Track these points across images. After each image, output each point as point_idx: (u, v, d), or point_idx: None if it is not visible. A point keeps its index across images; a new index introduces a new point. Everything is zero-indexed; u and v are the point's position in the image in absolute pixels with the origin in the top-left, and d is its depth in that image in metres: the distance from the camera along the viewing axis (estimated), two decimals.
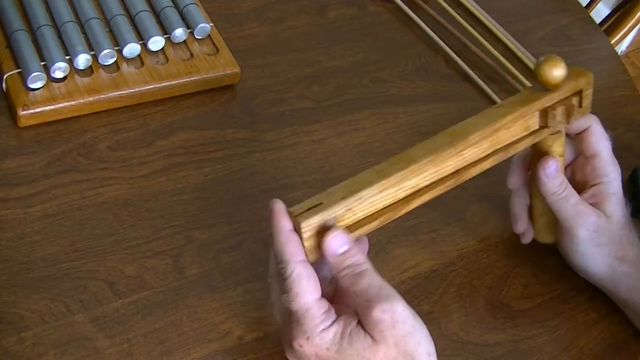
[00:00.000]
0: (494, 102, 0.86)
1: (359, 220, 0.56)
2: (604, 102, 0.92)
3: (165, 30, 0.77)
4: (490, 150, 0.61)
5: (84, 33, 0.74)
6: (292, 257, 0.53)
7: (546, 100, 0.62)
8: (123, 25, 0.75)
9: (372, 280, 0.53)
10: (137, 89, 0.72)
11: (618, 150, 0.86)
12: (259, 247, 0.67)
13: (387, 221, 0.57)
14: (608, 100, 0.93)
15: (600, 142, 0.66)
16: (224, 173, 0.71)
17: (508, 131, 0.61)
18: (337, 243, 0.54)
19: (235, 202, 0.69)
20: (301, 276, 0.53)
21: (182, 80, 0.74)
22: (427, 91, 0.85)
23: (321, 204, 0.54)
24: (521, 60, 0.92)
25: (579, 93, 0.64)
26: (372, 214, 0.56)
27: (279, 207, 0.54)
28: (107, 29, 0.75)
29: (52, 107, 0.69)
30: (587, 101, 0.66)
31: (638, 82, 1.04)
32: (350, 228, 0.55)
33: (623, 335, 0.69)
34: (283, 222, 0.53)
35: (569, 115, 0.63)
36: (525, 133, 0.63)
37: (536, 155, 0.66)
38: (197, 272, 0.64)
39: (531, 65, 0.91)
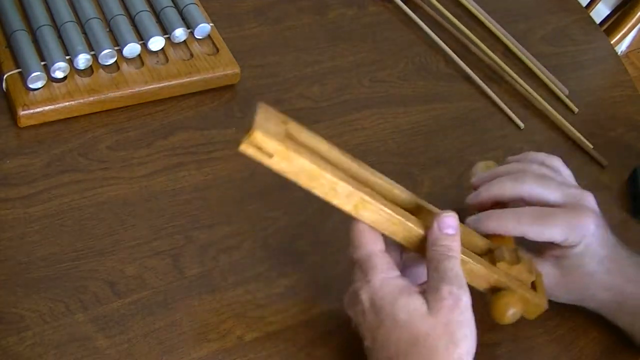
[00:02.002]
0: (494, 102, 0.86)
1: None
2: (604, 102, 0.92)
3: (165, 30, 0.77)
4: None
5: (84, 33, 0.74)
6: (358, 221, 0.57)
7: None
8: (123, 25, 0.75)
9: (455, 267, 0.56)
10: (137, 89, 0.72)
11: (618, 150, 0.86)
12: (259, 247, 0.67)
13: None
14: (608, 100, 0.93)
15: (544, 232, 0.63)
16: (224, 173, 0.71)
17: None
18: (449, 223, 0.57)
19: (235, 202, 0.69)
20: (364, 229, 0.57)
21: (182, 80, 0.74)
22: (427, 91, 0.85)
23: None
24: (521, 60, 0.92)
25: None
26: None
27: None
28: (107, 29, 0.75)
29: (52, 107, 0.69)
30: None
31: (638, 82, 1.04)
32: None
33: (623, 335, 0.69)
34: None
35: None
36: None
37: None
38: (197, 272, 0.64)
39: (531, 65, 0.91)
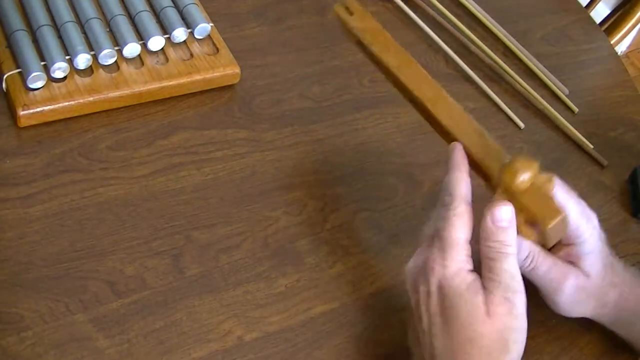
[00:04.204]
0: (494, 102, 0.86)
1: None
2: (604, 102, 0.92)
3: (165, 30, 0.77)
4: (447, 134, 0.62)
5: (84, 33, 0.74)
6: (462, 196, 0.56)
7: (495, 179, 0.58)
8: (123, 25, 0.75)
9: (510, 267, 0.55)
10: (137, 89, 0.72)
11: (618, 150, 0.86)
12: (259, 247, 0.67)
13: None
14: (608, 100, 0.93)
15: (566, 204, 0.60)
16: (224, 173, 0.71)
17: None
18: (502, 215, 0.56)
19: (235, 202, 0.69)
20: (464, 214, 0.56)
21: (182, 80, 0.74)
22: None
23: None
24: (521, 60, 0.92)
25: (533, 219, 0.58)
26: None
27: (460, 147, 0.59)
28: (107, 29, 0.75)
29: (52, 107, 0.69)
30: (545, 240, 0.59)
31: (638, 82, 1.04)
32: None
33: None
34: (464, 162, 0.58)
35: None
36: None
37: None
38: (197, 272, 0.64)
39: (531, 65, 0.91)
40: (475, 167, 0.60)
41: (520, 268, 0.60)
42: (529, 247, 0.61)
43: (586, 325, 0.69)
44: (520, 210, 0.57)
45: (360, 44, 0.66)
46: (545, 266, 0.62)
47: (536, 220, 0.57)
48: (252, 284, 0.64)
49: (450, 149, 0.59)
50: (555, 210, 0.57)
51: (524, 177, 0.56)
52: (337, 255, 0.68)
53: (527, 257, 0.61)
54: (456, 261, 0.55)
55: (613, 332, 0.69)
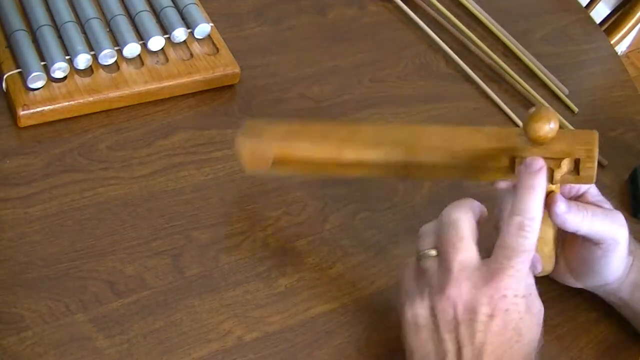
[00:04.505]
0: (494, 102, 0.86)
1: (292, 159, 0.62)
2: (604, 102, 0.92)
3: (165, 30, 0.77)
4: (446, 161, 0.60)
5: (84, 33, 0.74)
6: (541, 223, 0.56)
7: (523, 151, 0.59)
8: (123, 25, 0.75)
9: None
10: (137, 89, 0.72)
11: (618, 150, 0.86)
12: (259, 247, 0.67)
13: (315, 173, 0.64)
14: (608, 100, 0.93)
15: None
16: (224, 173, 0.71)
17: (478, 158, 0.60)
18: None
19: (235, 202, 0.69)
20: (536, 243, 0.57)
21: (182, 80, 0.74)
22: (427, 91, 0.85)
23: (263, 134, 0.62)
24: (521, 60, 0.92)
25: (573, 160, 0.59)
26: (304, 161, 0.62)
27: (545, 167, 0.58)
28: (107, 29, 0.75)
29: (52, 107, 0.69)
30: (588, 172, 0.59)
31: (638, 82, 1.04)
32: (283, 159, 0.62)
33: (623, 335, 0.69)
34: (545, 183, 0.57)
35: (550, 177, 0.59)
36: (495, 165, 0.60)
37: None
38: (197, 272, 0.64)
39: (531, 65, 0.91)
40: (496, 158, 0.59)
41: (583, 222, 0.61)
42: (573, 203, 0.61)
43: (586, 325, 0.69)
44: (558, 158, 0.58)
45: (280, 160, 0.62)
46: (600, 210, 0.62)
47: (579, 154, 0.58)
48: (252, 284, 0.64)
49: (533, 167, 0.57)
50: (589, 133, 0.58)
51: (552, 124, 0.57)
52: (337, 255, 0.68)
53: (578, 210, 0.61)
54: (528, 289, 0.56)
55: (613, 333, 0.69)
